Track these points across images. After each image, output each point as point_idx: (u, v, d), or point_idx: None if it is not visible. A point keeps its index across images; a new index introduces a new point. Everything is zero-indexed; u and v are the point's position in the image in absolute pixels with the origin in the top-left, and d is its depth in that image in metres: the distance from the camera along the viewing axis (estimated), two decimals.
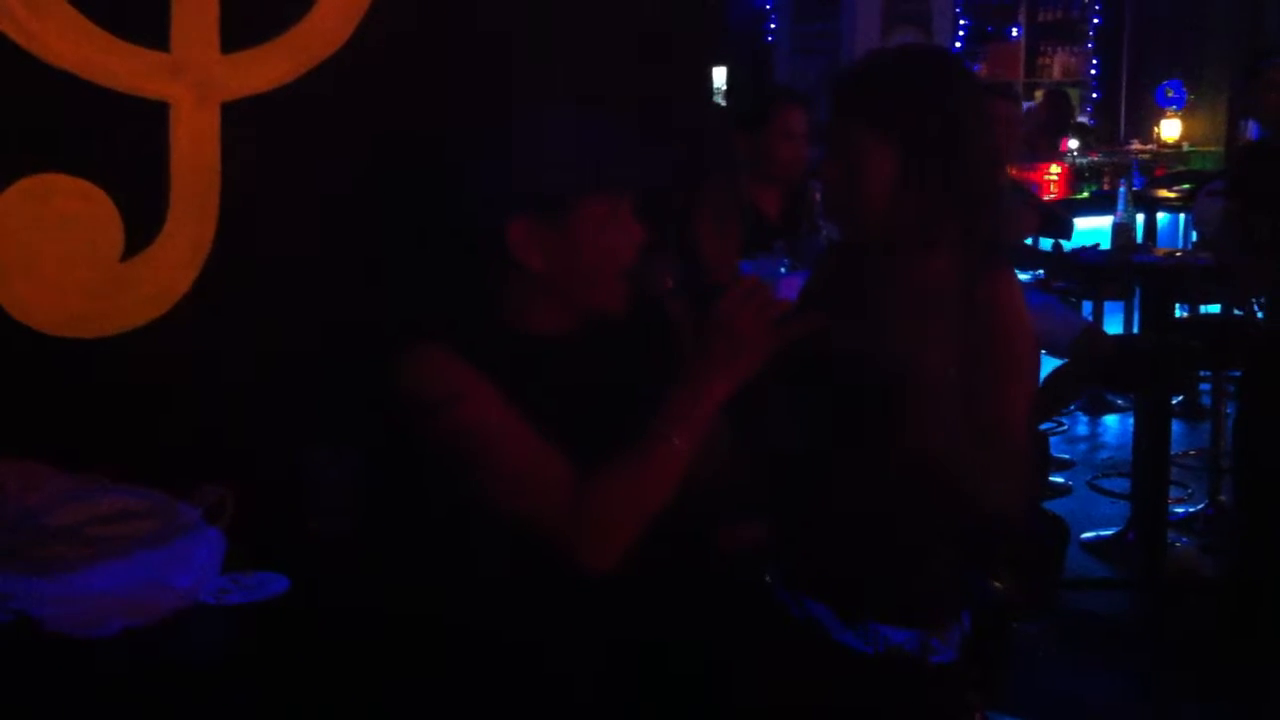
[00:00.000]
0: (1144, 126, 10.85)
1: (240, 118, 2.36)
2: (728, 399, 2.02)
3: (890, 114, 2.10)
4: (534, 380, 2.04)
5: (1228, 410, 5.52)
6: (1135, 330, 6.62)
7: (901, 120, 2.09)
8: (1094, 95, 11.19)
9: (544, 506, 1.99)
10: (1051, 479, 5.65)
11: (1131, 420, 5.48)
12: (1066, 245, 5.85)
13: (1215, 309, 6.20)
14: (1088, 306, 6.86)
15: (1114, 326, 7.06)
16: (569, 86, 2.61)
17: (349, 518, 2.25)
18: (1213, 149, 10.25)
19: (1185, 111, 10.31)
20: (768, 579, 2.29)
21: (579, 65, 2.63)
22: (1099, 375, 5.34)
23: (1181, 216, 8.15)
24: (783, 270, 3.96)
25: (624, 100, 2.65)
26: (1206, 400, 6.32)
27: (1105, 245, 5.75)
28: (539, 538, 1.99)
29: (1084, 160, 9.24)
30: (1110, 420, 6.86)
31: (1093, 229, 6.99)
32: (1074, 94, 11.07)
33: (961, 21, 9.79)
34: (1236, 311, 6.08)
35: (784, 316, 2.03)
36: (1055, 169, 8.37)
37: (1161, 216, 8.15)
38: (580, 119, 2.14)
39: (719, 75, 8.69)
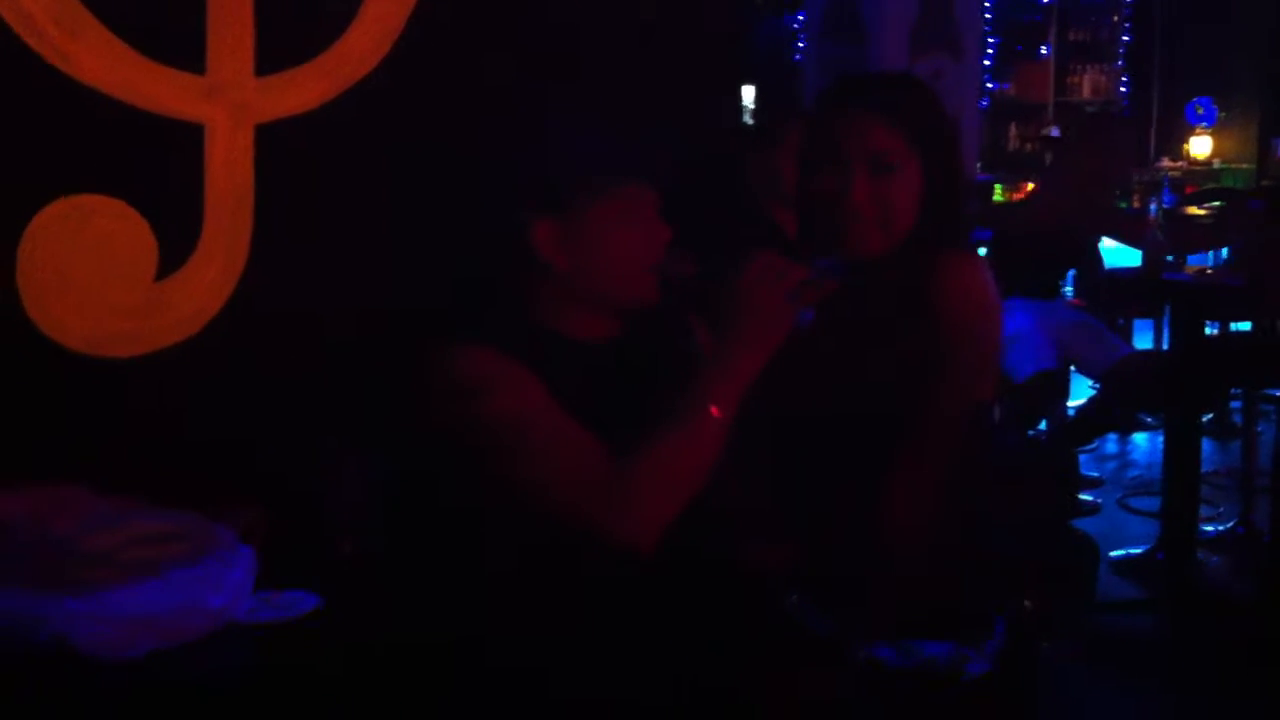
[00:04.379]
0: (1174, 144, 10.81)
1: (274, 139, 2.38)
2: (757, 371, 2.05)
3: (920, 131, 2.16)
4: (568, 383, 2.07)
5: (1259, 429, 5.48)
6: (1165, 348, 6.59)
7: (929, 137, 2.18)
8: (1124, 113, 11.15)
9: (585, 486, 2.00)
10: (1081, 497, 5.62)
11: (1161, 438, 5.43)
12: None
13: (1246, 327, 6.16)
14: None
15: (1143, 344, 7.03)
16: (592, 95, 2.64)
17: (376, 535, 2.26)
18: (1244, 166, 10.21)
19: (1215, 129, 10.26)
20: (794, 600, 2.30)
21: (601, 73, 2.66)
22: (1134, 404, 5.32)
23: None
24: None
25: (636, 103, 2.69)
26: (1237, 418, 6.28)
27: (1136, 263, 5.73)
28: (576, 519, 2.00)
29: None
30: (1140, 438, 6.82)
31: (1124, 246, 6.96)
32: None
33: (990, 40, 9.78)
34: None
35: (801, 285, 2.07)
36: None
37: None
38: (588, 120, 2.19)
39: (747, 94, 8.69)
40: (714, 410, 2.03)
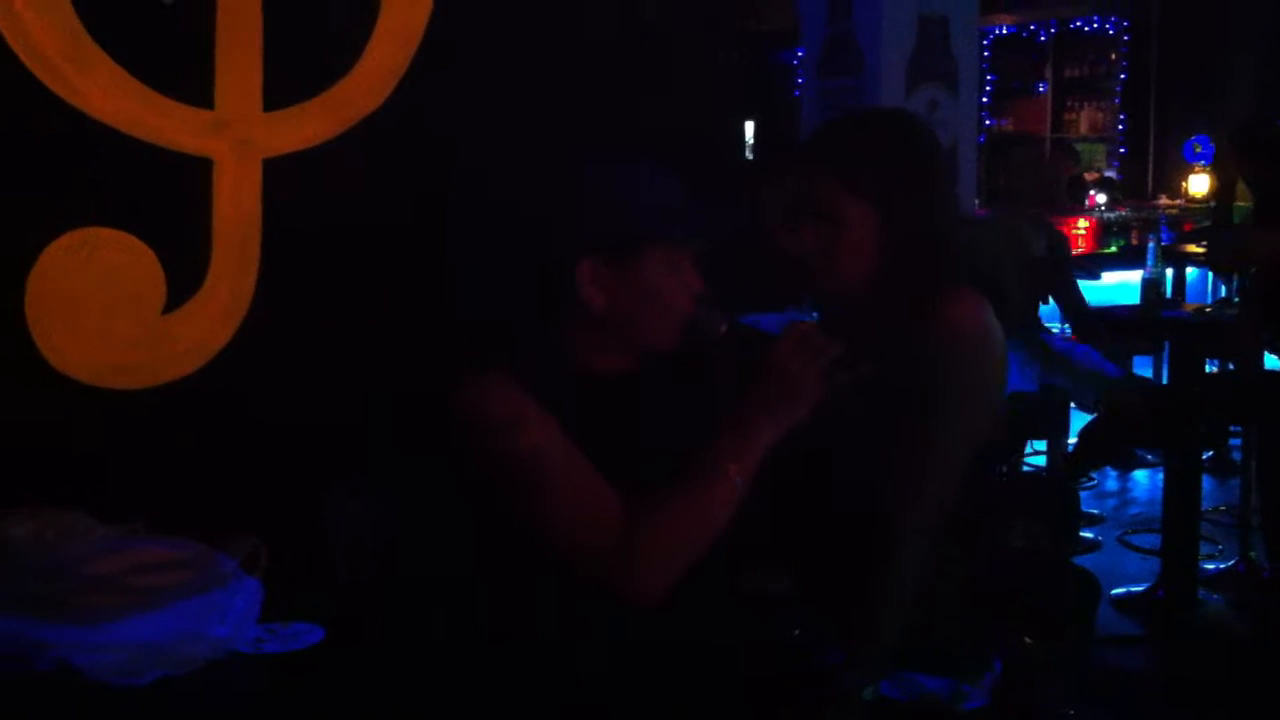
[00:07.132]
0: (1172, 181, 10.84)
1: (281, 174, 2.39)
2: (776, 441, 2.04)
3: (868, 176, 2.17)
4: (589, 418, 2.06)
5: None
6: (1164, 385, 6.60)
7: (879, 181, 2.18)
8: (1121, 150, 11.20)
9: (596, 535, 1.99)
10: (1081, 534, 5.62)
11: (1161, 476, 5.44)
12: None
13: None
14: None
15: None
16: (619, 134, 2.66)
17: (380, 566, 2.26)
18: (1242, 204, 10.24)
19: (1213, 166, 10.29)
20: (797, 632, 2.30)
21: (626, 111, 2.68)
22: (1130, 434, 5.33)
23: (1210, 271, 8.14)
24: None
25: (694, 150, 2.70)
26: (1237, 456, 6.29)
27: (1135, 300, 5.75)
28: (584, 570, 2.00)
29: (1112, 215, 9.24)
30: (1140, 475, 6.82)
31: (1122, 283, 6.99)
32: (1100, 149, 11.09)
33: (988, 77, 9.83)
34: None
35: (836, 363, 2.03)
36: (1083, 223, 8.37)
37: (1190, 271, 8.14)
38: (658, 168, 2.16)
39: (747, 130, 8.75)
40: (729, 476, 2.01)
